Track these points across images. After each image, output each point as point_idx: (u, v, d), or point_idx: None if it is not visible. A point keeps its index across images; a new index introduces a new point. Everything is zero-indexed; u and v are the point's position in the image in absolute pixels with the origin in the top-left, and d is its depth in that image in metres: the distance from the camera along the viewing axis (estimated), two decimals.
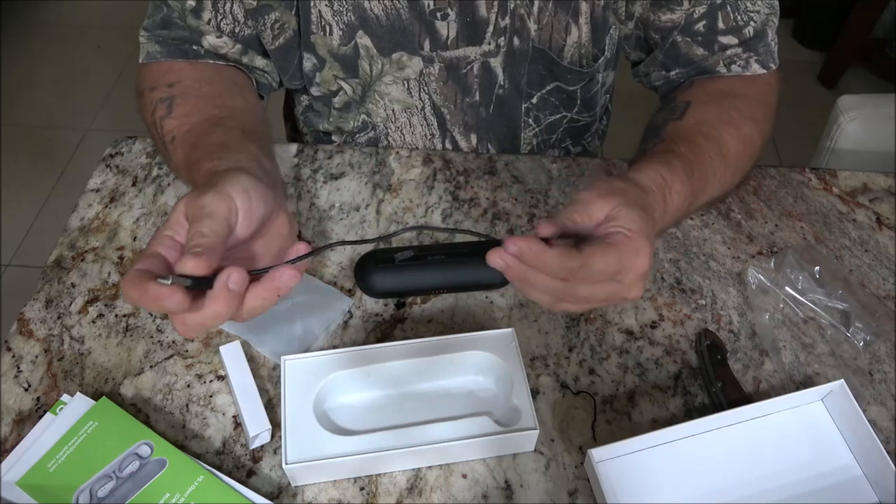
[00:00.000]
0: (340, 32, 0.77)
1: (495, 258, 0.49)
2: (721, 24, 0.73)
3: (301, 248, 0.50)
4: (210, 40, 0.74)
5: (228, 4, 0.72)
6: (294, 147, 0.86)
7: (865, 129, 1.08)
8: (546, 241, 0.49)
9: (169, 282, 0.45)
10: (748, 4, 0.72)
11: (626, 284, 0.51)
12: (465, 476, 0.61)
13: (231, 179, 0.53)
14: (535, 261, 0.49)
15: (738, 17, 0.73)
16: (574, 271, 0.49)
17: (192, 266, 0.46)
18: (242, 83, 0.78)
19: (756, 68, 0.75)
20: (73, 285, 0.73)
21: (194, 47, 0.74)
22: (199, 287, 0.46)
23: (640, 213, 0.53)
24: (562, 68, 0.80)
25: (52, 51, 2.48)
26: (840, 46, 2.27)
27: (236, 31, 0.74)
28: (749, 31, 0.74)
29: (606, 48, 0.79)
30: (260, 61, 0.78)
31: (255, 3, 0.73)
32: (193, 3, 0.72)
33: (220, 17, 0.73)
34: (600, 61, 0.80)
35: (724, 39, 0.74)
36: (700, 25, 0.74)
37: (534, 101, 0.84)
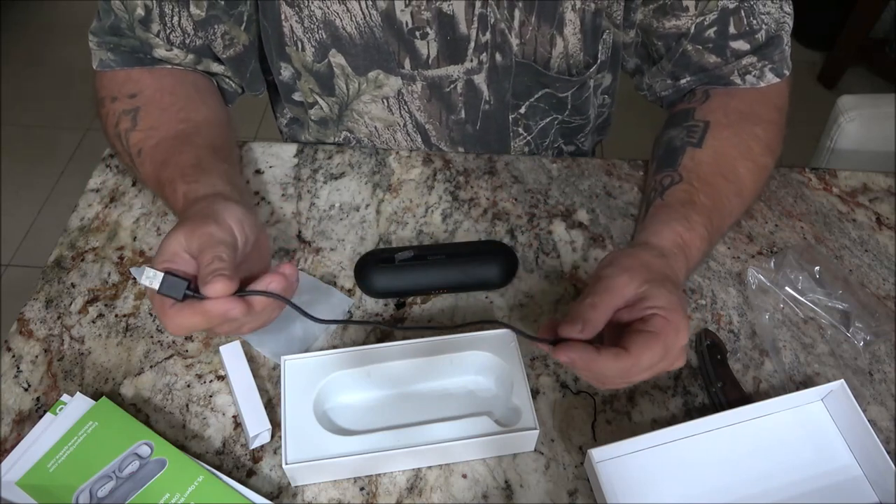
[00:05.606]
0: (313, 49, 0.75)
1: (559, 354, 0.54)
2: (733, 29, 0.71)
3: (287, 269, 0.55)
4: (160, 53, 0.73)
5: (176, 18, 0.71)
6: (294, 147, 0.86)
7: (865, 129, 1.08)
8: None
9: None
10: (760, 7, 0.71)
11: (670, 360, 0.54)
12: (465, 476, 0.61)
13: (224, 210, 0.57)
14: (587, 368, 0.52)
15: (753, 21, 0.71)
16: (627, 370, 0.52)
17: (223, 287, 0.51)
18: (205, 88, 0.77)
19: (770, 77, 0.74)
20: (73, 285, 0.73)
21: (148, 56, 0.74)
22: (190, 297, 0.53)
23: (669, 286, 0.54)
24: (550, 78, 0.78)
25: (52, 51, 2.48)
26: (840, 46, 2.27)
27: (187, 42, 0.73)
28: (762, 35, 0.72)
29: (600, 54, 0.77)
30: (217, 67, 0.77)
31: (203, 14, 0.71)
32: (142, 14, 0.70)
33: (168, 31, 0.72)
34: (592, 68, 0.78)
35: (736, 45, 0.72)
36: (711, 32, 0.71)
37: (522, 111, 0.83)
